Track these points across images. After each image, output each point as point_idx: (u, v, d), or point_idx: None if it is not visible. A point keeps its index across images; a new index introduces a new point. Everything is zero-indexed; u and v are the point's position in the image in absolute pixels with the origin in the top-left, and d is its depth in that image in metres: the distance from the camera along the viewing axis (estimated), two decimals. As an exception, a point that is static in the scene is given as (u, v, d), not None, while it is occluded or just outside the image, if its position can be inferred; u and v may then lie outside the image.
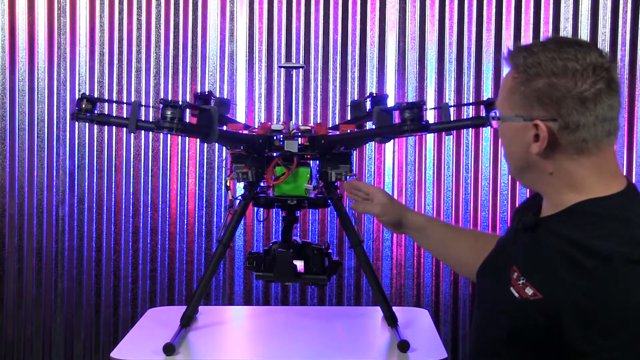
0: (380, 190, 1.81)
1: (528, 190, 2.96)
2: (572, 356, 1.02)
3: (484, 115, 1.97)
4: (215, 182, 3.02)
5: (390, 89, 2.96)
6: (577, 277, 1.01)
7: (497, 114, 1.17)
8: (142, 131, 2.90)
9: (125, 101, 2.97)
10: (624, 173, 2.92)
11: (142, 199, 3.03)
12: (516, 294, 1.10)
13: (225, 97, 2.95)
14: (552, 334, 1.04)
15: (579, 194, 1.11)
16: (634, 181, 2.94)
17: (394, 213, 1.76)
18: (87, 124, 2.75)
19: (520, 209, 1.33)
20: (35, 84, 3.02)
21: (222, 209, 3.01)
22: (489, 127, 2.89)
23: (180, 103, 1.77)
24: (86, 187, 3.04)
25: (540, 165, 1.13)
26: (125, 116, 2.13)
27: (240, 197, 2.03)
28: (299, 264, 1.96)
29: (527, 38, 2.93)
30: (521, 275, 1.10)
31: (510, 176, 2.96)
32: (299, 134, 2.01)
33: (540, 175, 1.14)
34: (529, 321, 1.07)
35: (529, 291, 1.08)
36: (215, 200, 3.03)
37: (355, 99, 2.89)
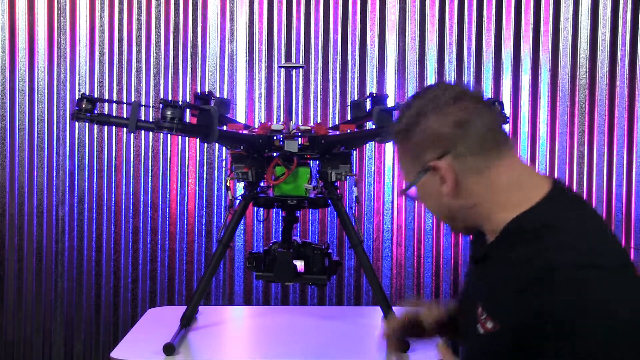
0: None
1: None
2: None
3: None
4: (215, 182, 3.02)
5: (390, 89, 2.96)
6: (523, 298, 0.99)
7: (405, 187, 1.18)
8: (142, 131, 2.91)
9: (125, 101, 2.97)
10: (624, 173, 2.94)
11: (142, 199, 3.03)
12: (481, 330, 1.08)
13: (225, 97, 2.95)
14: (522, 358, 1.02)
15: (508, 212, 1.09)
16: (633, 181, 2.94)
17: None
18: (87, 124, 2.75)
19: (471, 243, 1.31)
20: (35, 84, 3.02)
21: (222, 209, 3.01)
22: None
23: (180, 103, 1.77)
24: (86, 187, 3.04)
25: (462, 201, 1.12)
26: (125, 116, 2.13)
27: (240, 197, 2.03)
28: (299, 264, 1.96)
29: (527, 38, 2.93)
30: (483, 311, 1.09)
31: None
32: (299, 134, 2.01)
33: (467, 211, 1.14)
34: (497, 354, 1.06)
35: (490, 325, 1.06)
36: (215, 200, 3.03)
37: (355, 99, 2.89)
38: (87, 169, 3.04)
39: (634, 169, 2.94)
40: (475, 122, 1.08)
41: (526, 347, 0.99)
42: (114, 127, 2.98)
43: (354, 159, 2.54)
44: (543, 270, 0.98)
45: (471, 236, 1.28)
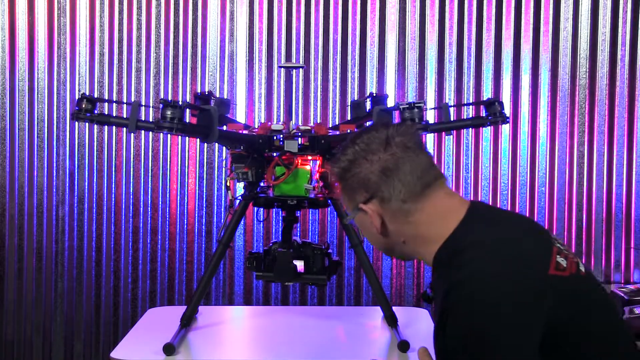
0: None
1: (528, 191, 2.97)
2: None
3: (484, 115, 1.97)
4: (215, 182, 3.02)
5: (390, 89, 2.96)
6: (440, 329, 1.09)
7: (348, 217, 1.28)
8: (142, 131, 2.90)
9: (125, 101, 2.97)
10: (624, 173, 2.94)
11: (142, 199, 3.03)
12: None
13: (225, 97, 2.95)
14: None
15: (433, 245, 1.18)
16: (633, 181, 2.94)
17: None
18: (87, 124, 2.75)
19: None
20: (35, 84, 3.02)
21: (222, 209, 3.01)
22: (489, 127, 2.90)
23: (180, 103, 1.77)
24: (86, 187, 3.04)
25: (393, 239, 1.23)
26: (125, 116, 2.13)
27: (240, 197, 2.03)
28: (299, 264, 1.96)
29: (527, 38, 2.93)
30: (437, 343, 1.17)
31: (510, 176, 2.97)
32: (299, 134, 2.01)
33: (400, 246, 1.24)
34: None
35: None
36: (215, 200, 3.03)
37: (355, 99, 2.89)
38: (87, 169, 3.03)
39: (634, 169, 2.94)
40: (401, 168, 1.17)
41: None
42: (114, 127, 2.98)
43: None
44: (447, 296, 1.08)
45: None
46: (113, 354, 1.84)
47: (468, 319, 1.03)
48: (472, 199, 2.97)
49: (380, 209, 1.19)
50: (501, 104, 1.99)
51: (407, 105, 1.81)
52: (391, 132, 1.18)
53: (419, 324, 2.12)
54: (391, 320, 2.02)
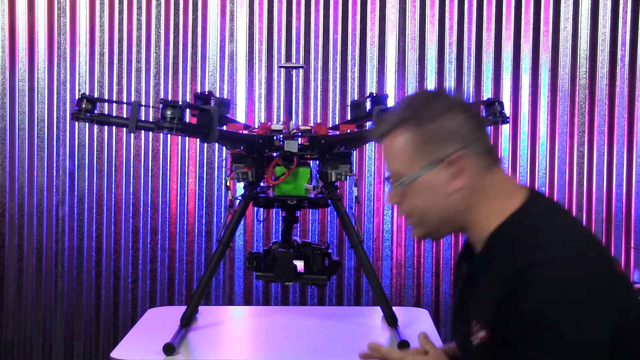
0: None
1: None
2: None
3: (484, 115, 1.97)
4: (215, 182, 3.02)
5: (390, 89, 2.96)
6: (508, 303, 1.03)
7: (398, 180, 1.17)
8: (142, 131, 2.90)
9: (125, 101, 2.97)
10: (624, 173, 2.94)
11: (142, 199, 3.03)
12: (475, 341, 1.11)
13: (225, 97, 2.95)
14: None
15: (493, 220, 1.13)
16: (633, 181, 2.94)
17: None
18: (87, 124, 2.75)
19: (457, 263, 1.33)
20: (35, 84, 3.02)
21: (222, 209, 3.01)
22: (489, 127, 2.90)
23: (180, 103, 1.77)
24: (86, 187, 3.04)
25: (457, 205, 1.15)
26: (125, 116, 2.13)
27: (240, 197, 2.03)
28: (299, 264, 1.96)
29: (527, 38, 2.93)
30: (477, 322, 1.12)
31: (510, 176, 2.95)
32: (299, 134, 2.01)
33: (458, 216, 1.16)
34: None
35: (482, 334, 1.09)
36: (215, 200, 3.03)
37: (355, 99, 2.89)
38: (87, 169, 3.03)
39: (634, 169, 2.94)
40: (484, 129, 1.18)
41: (512, 349, 1.03)
42: (114, 127, 2.98)
43: (354, 159, 2.54)
44: (523, 274, 1.02)
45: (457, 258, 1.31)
46: (113, 354, 1.84)
47: (551, 297, 1.00)
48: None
49: (466, 165, 1.12)
50: (501, 104, 1.99)
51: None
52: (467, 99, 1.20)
53: (419, 324, 2.12)
54: (391, 320, 2.02)
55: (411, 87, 2.95)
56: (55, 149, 3.03)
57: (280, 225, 2.39)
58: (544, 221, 1.10)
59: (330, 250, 2.03)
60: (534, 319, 1.00)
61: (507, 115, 2.00)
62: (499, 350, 1.06)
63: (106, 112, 2.86)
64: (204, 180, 3.02)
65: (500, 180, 1.17)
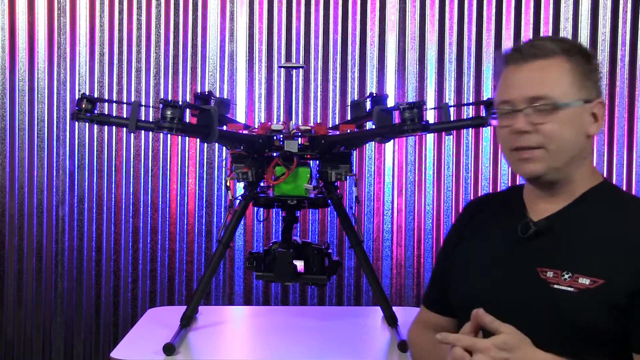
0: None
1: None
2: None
3: (484, 115, 1.97)
4: (215, 182, 3.02)
5: (390, 89, 2.96)
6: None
7: (551, 101, 1.16)
8: (142, 131, 2.90)
9: (125, 101, 2.97)
10: (624, 173, 2.94)
11: (142, 199, 3.03)
12: (569, 289, 1.10)
13: (225, 97, 2.95)
14: (618, 319, 1.07)
15: (591, 181, 1.21)
16: (633, 181, 2.94)
17: None
18: (87, 124, 2.75)
19: (486, 224, 1.31)
20: (35, 84, 3.02)
21: (222, 209, 3.01)
22: (489, 127, 2.89)
23: (180, 103, 1.77)
24: (86, 187, 3.04)
25: (586, 150, 1.21)
26: (125, 116, 2.13)
27: (240, 197, 2.03)
28: (299, 264, 1.96)
29: (527, 38, 2.92)
30: (563, 272, 1.12)
31: (510, 176, 2.95)
32: (299, 134, 2.01)
33: (579, 162, 1.20)
34: (600, 307, 1.08)
35: (585, 280, 1.09)
36: (215, 200, 3.03)
37: (355, 99, 2.89)
38: (87, 169, 3.03)
39: (634, 169, 2.93)
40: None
41: (634, 304, 1.05)
42: (114, 127, 2.98)
43: (354, 159, 2.54)
44: None
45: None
46: (113, 354, 1.84)
47: None
48: (472, 199, 2.97)
49: (603, 114, 1.21)
50: (501, 104, 1.98)
51: (407, 105, 1.80)
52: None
53: (419, 324, 2.12)
54: (391, 320, 2.02)
55: (411, 87, 2.95)
56: (55, 149, 3.03)
57: (280, 225, 2.39)
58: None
59: (330, 250, 2.03)
60: None
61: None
62: (615, 298, 1.07)
63: (106, 112, 2.86)
64: (204, 180, 3.01)
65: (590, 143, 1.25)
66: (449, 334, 1.10)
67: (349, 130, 2.04)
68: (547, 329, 1.12)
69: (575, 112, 1.16)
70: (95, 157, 3.03)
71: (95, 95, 2.83)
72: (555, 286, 1.11)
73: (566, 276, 1.11)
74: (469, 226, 1.35)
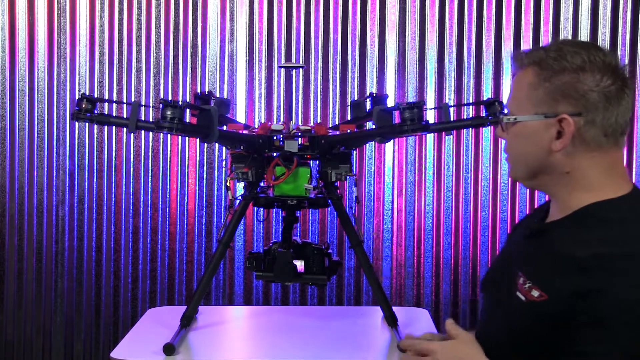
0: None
1: (528, 191, 2.95)
2: (574, 356, 1.04)
3: (484, 115, 1.97)
4: (215, 182, 3.02)
5: (390, 89, 2.96)
6: (585, 277, 1.03)
7: (509, 115, 1.17)
8: (142, 131, 2.90)
9: (125, 101, 2.97)
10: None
11: (142, 199, 3.03)
12: (522, 297, 1.11)
13: (225, 97, 2.95)
14: (558, 333, 1.05)
15: (590, 195, 1.13)
16: (633, 181, 2.94)
17: None
18: (87, 124, 2.75)
19: (525, 219, 1.36)
20: (35, 84, 3.02)
21: (222, 209, 3.01)
22: (489, 127, 2.89)
23: (180, 103, 1.77)
24: (86, 187, 3.04)
25: (558, 164, 1.13)
26: (125, 116, 2.13)
27: (240, 197, 2.03)
28: (299, 264, 1.96)
29: (527, 38, 2.93)
30: (527, 280, 1.12)
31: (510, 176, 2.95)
32: (299, 134, 2.00)
33: (555, 175, 1.15)
34: (536, 321, 1.09)
35: (535, 293, 1.09)
36: (215, 200, 3.03)
37: (355, 99, 2.89)
38: (87, 169, 3.04)
39: (634, 169, 2.94)
40: (621, 104, 1.11)
41: (574, 324, 1.03)
42: (114, 127, 2.98)
43: (354, 159, 2.54)
44: (610, 261, 1.02)
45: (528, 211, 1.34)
46: (113, 354, 1.84)
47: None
48: (472, 199, 2.97)
49: (578, 130, 1.10)
50: (501, 104, 1.99)
51: (407, 105, 1.80)
52: (622, 64, 1.12)
53: (419, 324, 2.12)
54: (391, 320, 2.02)
55: (411, 87, 2.95)
56: (55, 149, 3.03)
57: (280, 225, 2.39)
58: (637, 215, 1.10)
59: (330, 250, 2.03)
60: (616, 312, 1.00)
61: (508, 115, 1.99)
62: (554, 313, 1.06)
63: (106, 112, 2.86)
64: (204, 180, 3.02)
65: (612, 162, 1.14)
66: (407, 339, 1.24)
67: (349, 130, 2.04)
68: (502, 330, 1.17)
69: (532, 126, 1.13)
70: (95, 157, 3.03)
71: (95, 95, 2.84)
72: (517, 292, 1.13)
73: (527, 285, 1.11)
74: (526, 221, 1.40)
